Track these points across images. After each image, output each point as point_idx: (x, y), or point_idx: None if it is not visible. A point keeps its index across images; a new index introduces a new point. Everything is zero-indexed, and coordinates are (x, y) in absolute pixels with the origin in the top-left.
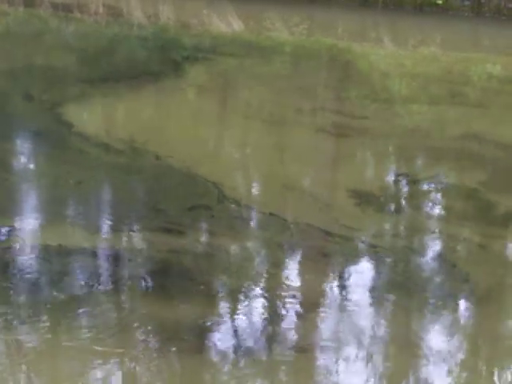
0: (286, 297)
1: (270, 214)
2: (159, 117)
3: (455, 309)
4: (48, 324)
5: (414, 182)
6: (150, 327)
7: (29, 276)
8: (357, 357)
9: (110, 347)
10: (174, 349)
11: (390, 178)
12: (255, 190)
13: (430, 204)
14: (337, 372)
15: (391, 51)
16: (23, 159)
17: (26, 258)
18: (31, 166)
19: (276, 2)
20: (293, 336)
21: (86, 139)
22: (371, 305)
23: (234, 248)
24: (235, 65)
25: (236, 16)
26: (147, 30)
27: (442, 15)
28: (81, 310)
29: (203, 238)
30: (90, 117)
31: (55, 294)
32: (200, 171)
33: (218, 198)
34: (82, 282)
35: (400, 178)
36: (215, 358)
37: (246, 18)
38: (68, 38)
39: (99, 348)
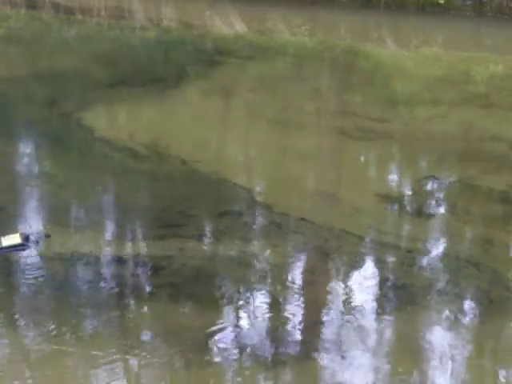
0: (324, 304)
1: (302, 219)
2: (180, 120)
3: (499, 316)
4: (80, 333)
5: (441, 185)
6: (182, 336)
7: (57, 283)
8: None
9: (146, 355)
10: (208, 357)
11: (418, 181)
12: (284, 195)
13: (461, 207)
14: None
15: (404, 52)
16: (48, 164)
17: (55, 264)
18: (56, 172)
19: (278, 3)
20: (338, 342)
21: (110, 144)
22: (415, 310)
23: (268, 255)
24: (252, 68)
25: (240, 18)
26: (163, 33)
27: (444, 15)
28: (112, 318)
29: (237, 245)
30: (110, 121)
31: (86, 301)
32: (227, 175)
33: (248, 203)
34: (113, 290)
35: (428, 180)
36: (252, 363)
37: (250, 19)
38: (81, 42)
39: (130, 357)
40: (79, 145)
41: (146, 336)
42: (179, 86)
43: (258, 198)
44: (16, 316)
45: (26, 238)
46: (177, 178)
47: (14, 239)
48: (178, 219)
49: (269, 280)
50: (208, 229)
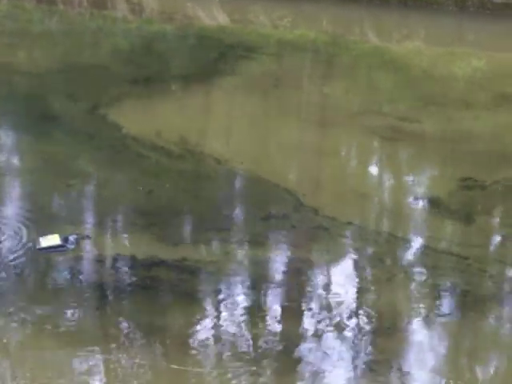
0: (381, 312)
1: (349, 222)
2: (208, 117)
3: None
4: (126, 340)
5: (481, 188)
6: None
7: (97, 285)
8: None
9: (197, 367)
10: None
11: (457, 184)
12: (327, 197)
13: (502, 210)
14: None
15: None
16: (83, 163)
17: (96, 267)
18: (94, 171)
19: None
20: (407, 351)
21: (140, 142)
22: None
23: (318, 260)
24: (281, 64)
25: (222, 9)
26: (188, 28)
27: (427, 9)
28: (156, 322)
29: (284, 250)
30: (136, 118)
31: (127, 305)
32: (266, 176)
33: (293, 205)
34: (156, 294)
35: (467, 183)
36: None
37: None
38: (98, 36)
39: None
40: (110, 143)
41: (196, 343)
42: (204, 81)
43: (303, 200)
44: (57, 318)
45: (65, 239)
46: (215, 178)
47: (53, 240)
48: (223, 222)
49: (320, 286)
50: (254, 232)
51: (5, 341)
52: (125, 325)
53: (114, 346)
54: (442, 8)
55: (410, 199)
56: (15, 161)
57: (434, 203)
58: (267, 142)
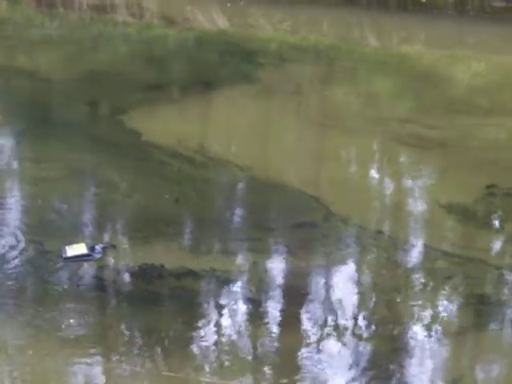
0: (415, 323)
1: (379, 231)
2: (228, 124)
3: None
4: (151, 351)
5: (507, 195)
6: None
7: (124, 295)
8: None
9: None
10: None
11: (482, 191)
12: (356, 205)
13: None
14: None
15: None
16: (107, 171)
17: (124, 277)
18: (118, 179)
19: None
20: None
21: (161, 149)
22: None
23: (351, 270)
24: (295, 69)
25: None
26: (206, 34)
27: (427, 13)
28: (182, 333)
29: (316, 259)
30: (154, 125)
31: (157, 315)
32: (291, 183)
33: (324, 214)
34: (184, 305)
35: (491, 190)
36: None
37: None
38: (119, 43)
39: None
40: (132, 150)
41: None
42: (221, 88)
43: (331, 209)
44: (84, 328)
45: (91, 248)
46: (240, 186)
47: (79, 249)
48: (251, 232)
49: (354, 297)
50: (283, 242)
51: (30, 352)
52: (156, 335)
53: (148, 357)
54: (442, 12)
55: (436, 207)
56: (39, 169)
57: (460, 211)
58: (288, 148)
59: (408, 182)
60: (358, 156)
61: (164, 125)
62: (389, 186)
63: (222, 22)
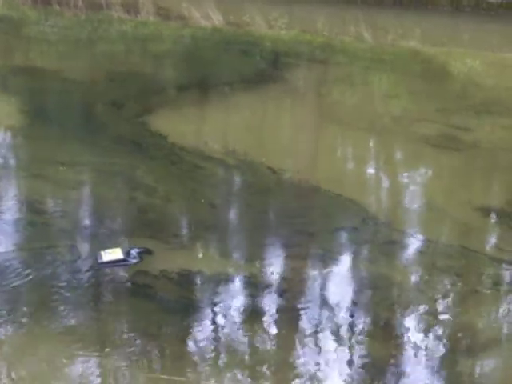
0: (464, 332)
1: (419, 236)
2: (254, 125)
3: None
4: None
5: None
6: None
7: (161, 302)
8: None
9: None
10: None
11: None
12: (392, 208)
13: None
14: None
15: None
16: (141, 175)
17: (161, 283)
18: (153, 183)
19: None
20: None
21: (191, 152)
22: None
23: (394, 276)
24: (326, 70)
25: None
26: (230, 34)
27: (422, 9)
28: (221, 343)
29: (360, 265)
30: (178, 126)
31: (190, 322)
32: (325, 186)
33: (362, 218)
34: (222, 312)
35: None
36: None
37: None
38: (142, 43)
39: None
40: (160, 153)
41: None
42: (259, 89)
43: (370, 212)
44: (121, 336)
45: (127, 253)
46: (276, 190)
47: (115, 254)
48: (290, 237)
49: (399, 303)
50: (325, 247)
51: (65, 361)
52: (192, 342)
53: (188, 366)
54: (437, 8)
55: (472, 209)
56: (73, 173)
57: (496, 213)
58: (318, 149)
59: (441, 185)
60: (388, 157)
61: (187, 126)
62: (421, 188)
63: (216, 19)
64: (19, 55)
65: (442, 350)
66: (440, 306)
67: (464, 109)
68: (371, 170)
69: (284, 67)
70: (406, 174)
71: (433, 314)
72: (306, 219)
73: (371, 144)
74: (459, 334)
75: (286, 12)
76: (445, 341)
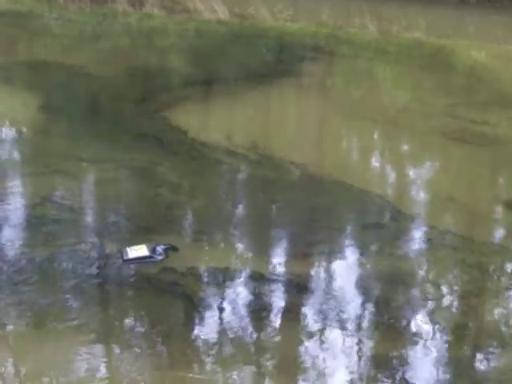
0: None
1: (448, 231)
2: (275, 119)
3: None
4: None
5: None
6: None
7: (188, 300)
8: None
9: None
10: None
11: None
12: (419, 203)
13: None
14: None
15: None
16: (162, 170)
17: (186, 279)
18: (176, 179)
19: None
20: None
21: (212, 147)
22: None
23: (425, 272)
24: (350, 64)
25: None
26: (246, 28)
27: (426, 2)
28: (248, 341)
29: (388, 261)
30: (198, 121)
31: (217, 320)
32: (350, 181)
33: (390, 214)
34: (251, 310)
35: None
36: None
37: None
38: (159, 37)
39: None
40: (182, 148)
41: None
42: (270, 82)
43: (398, 208)
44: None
45: (152, 250)
46: (301, 185)
47: (140, 251)
48: (320, 234)
49: (431, 299)
50: (354, 244)
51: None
52: (222, 340)
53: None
54: (443, 0)
55: (496, 204)
56: (97, 170)
57: None
58: (340, 143)
59: (463, 179)
60: (411, 153)
61: (206, 121)
62: (445, 183)
63: (221, 12)
64: (35, 50)
65: (473, 350)
66: (471, 303)
67: (478, 102)
68: (394, 165)
69: (296, 60)
70: (430, 169)
71: (465, 311)
72: (333, 215)
73: (391, 138)
74: (486, 333)
75: (291, 4)
76: (473, 340)
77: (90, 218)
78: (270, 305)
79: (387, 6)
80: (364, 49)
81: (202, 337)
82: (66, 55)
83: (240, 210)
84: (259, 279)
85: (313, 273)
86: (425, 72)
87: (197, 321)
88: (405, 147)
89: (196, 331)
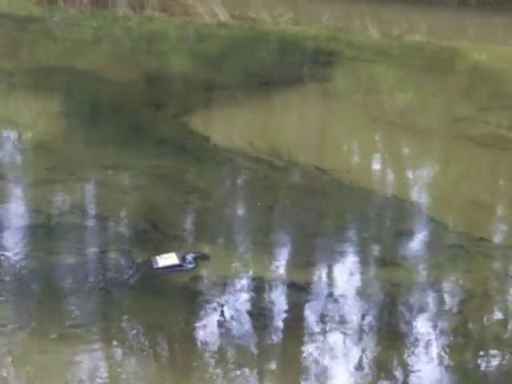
0: None
1: (481, 238)
2: (295, 124)
3: None
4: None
5: None
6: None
7: (219, 310)
8: None
9: None
10: None
11: None
12: (449, 209)
13: None
14: None
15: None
16: (192, 178)
17: (216, 288)
18: (205, 186)
19: None
20: None
21: (237, 153)
22: None
23: (462, 281)
24: (362, 68)
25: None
26: (266, 33)
27: (427, 4)
28: (282, 353)
29: (423, 270)
30: (217, 126)
31: (248, 328)
32: (375, 186)
33: (421, 220)
34: (286, 320)
35: None
36: None
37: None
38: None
39: None
40: (206, 154)
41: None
42: (287, 88)
43: (429, 214)
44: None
45: (182, 258)
46: (330, 192)
47: (170, 259)
48: (350, 242)
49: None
50: (388, 252)
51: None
52: (253, 350)
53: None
54: (443, 2)
55: None
56: (123, 177)
57: None
58: (363, 149)
59: (492, 184)
60: (440, 158)
61: (227, 126)
62: (474, 188)
63: (222, 15)
64: (45, 54)
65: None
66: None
67: (503, 106)
68: (423, 170)
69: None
70: (460, 175)
71: (503, 322)
72: (364, 223)
73: (419, 143)
74: None
75: (291, 7)
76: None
77: (117, 226)
78: (310, 315)
79: (388, 9)
80: (380, 53)
81: (236, 346)
82: (77, 60)
83: (271, 217)
84: (289, 288)
85: (346, 282)
86: (439, 75)
87: (231, 330)
88: (435, 153)
89: (229, 340)
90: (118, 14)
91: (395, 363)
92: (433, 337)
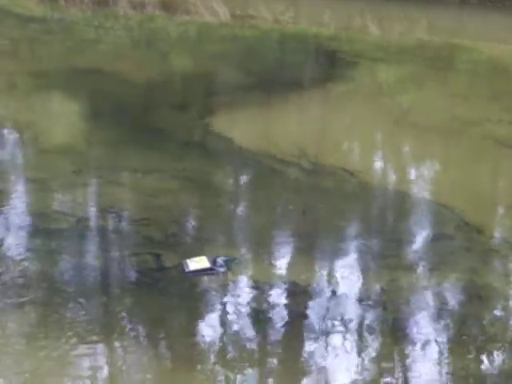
0: None
1: None
2: (320, 126)
3: None
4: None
5: None
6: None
7: (248, 315)
8: None
9: None
10: None
11: None
12: (484, 213)
13: None
14: None
15: None
16: (221, 181)
17: (248, 292)
18: (236, 189)
19: None
20: None
21: (262, 155)
22: None
23: (500, 286)
24: (385, 69)
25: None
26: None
27: (428, 2)
28: (310, 357)
29: (458, 275)
30: (243, 128)
31: (280, 332)
32: (406, 189)
33: (457, 224)
34: (321, 324)
35: None
36: None
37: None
38: (202, 44)
39: None
40: (232, 157)
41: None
42: (311, 89)
43: (465, 218)
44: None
45: (213, 262)
46: (359, 195)
47: (201, 263)
48: (385, 247)
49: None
50: (423, 257)
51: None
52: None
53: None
54: (444, 0)
55: None
56: (153, 181)
57: None
58: (389, 150)
59: None
60: (470, 160)
61: (251, 128)
62: (504, 190)
63: (222, 13)
64: (74, 57)
65: None
66: None
67: None
68: (454, 172)
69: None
70: (492, 178)
71: None
72: (397, 226)
73: (447, 145)
74: None
75: (292, 5)
76: None
77: (148, 229)
78: (335, 316)
79: (388, 7)
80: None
81: (274, 349)
82: (99, 62)
83: (302, 221)
84: (321, 291)
85: (381, 286)
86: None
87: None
88: (464, 155)
89: (267, 343)
90: (152, 15)
91: (395, 363)
92: (469, 340)
